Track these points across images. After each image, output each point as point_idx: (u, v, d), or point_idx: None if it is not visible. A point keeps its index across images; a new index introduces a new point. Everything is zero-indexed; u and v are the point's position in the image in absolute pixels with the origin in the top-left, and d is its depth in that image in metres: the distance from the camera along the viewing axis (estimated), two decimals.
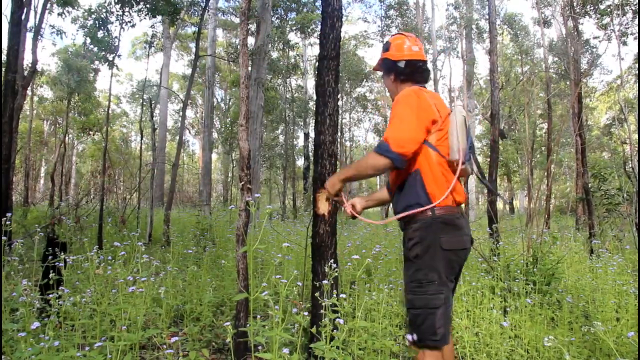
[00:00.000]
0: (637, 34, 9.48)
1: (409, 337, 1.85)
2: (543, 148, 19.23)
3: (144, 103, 12.23)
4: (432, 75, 22.26)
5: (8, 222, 2.68)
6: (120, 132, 31.60)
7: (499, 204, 24.79)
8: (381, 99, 30.38)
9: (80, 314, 2.28)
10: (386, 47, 2.15)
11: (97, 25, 8.80)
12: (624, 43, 11.88)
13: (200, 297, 3.66)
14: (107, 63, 9.05)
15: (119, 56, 9.06)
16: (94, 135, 19.24)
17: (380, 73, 2.26)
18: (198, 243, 6.06)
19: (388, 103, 34.37)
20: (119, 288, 2.43)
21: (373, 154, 1.84)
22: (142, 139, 9.90)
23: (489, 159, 5.59)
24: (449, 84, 22.49)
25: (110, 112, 9.43)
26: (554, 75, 17.06)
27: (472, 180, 18.39)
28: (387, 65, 2.12)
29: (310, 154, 20.19)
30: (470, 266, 4.48)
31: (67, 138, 18.24)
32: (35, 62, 7.97)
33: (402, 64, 2.06)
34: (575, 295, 3.68)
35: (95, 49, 9.08)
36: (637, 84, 9.09)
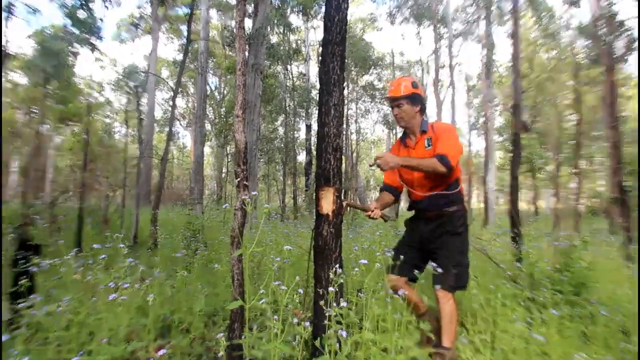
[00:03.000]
0: None
1: (439, 287, 2.99)
2: (572, 142, 19.13)
3: (130, 91, 12.25)
4: (447, 62, 22.28)
5: None
6: (102, 123, 31.66)
7: (522, 203, 24.67)
8: None
9: (55, 325, 2.26)
10: (416, 85, 3.21)
11: (79, 5, 8.78)
12: None
13: (190, 306, 3.65)
14: (88, 46, 9.04)
15: (100, 38, 9.05)
16: (73, 126, 19.27)
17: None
18: (188, 246, 6.05)
19: None
20: (99, 295, 2.42)
21: (436, 161, 2.99)
22: (127, 130, 9.91)
23: (511, 155, 5.55)
24: (466, 71, 22.38)
25: (92, 100, 9.42)
26: (584, 61, 16.95)
27: (492, 177, 18.34)
28: (417, 99, 3.23)
29: (313, 147, 20.18)
30: (490, 273, 4.45)
31: (42, 129, 18.28)
32: (5, 43, 7.96)
33: (425, 101, 3.29)
34: (611, 308, 3.63)
35: (76, 30, 9.06)
36: None
